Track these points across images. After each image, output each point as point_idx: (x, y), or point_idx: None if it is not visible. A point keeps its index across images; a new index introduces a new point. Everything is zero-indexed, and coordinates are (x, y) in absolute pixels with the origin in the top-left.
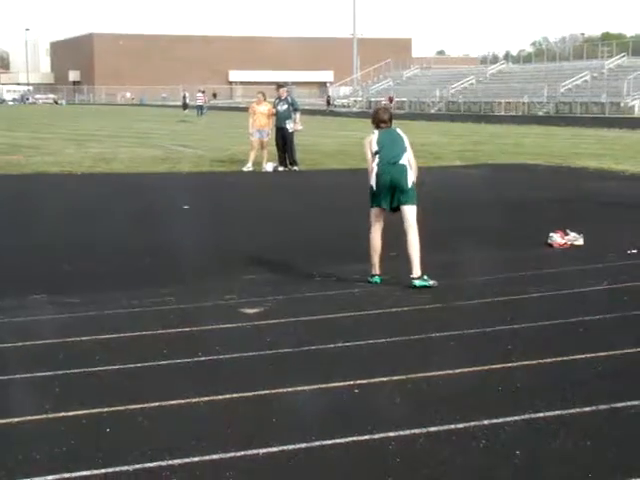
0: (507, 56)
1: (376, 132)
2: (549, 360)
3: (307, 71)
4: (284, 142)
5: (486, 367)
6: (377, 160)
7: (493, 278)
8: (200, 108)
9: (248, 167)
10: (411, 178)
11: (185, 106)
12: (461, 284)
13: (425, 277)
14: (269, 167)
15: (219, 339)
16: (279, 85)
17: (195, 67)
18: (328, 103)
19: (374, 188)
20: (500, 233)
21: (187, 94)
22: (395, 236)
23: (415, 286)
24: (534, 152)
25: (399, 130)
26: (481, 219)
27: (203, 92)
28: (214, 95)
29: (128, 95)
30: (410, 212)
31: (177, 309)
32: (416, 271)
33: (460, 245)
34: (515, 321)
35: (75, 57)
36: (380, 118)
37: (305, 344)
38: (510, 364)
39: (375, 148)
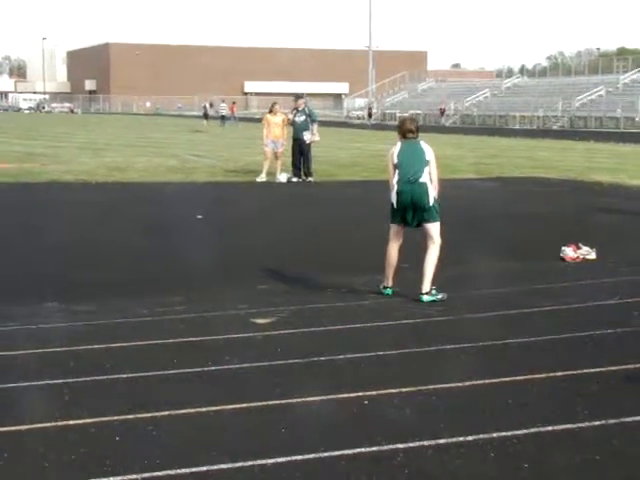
0: (522, 70)
1: (399, 144)
2: (559, 374)
3: (322, 82)
4: (301, 153)
5: (496, 380)
6: (397, 177)
7: (505, 291)
8: (223, 118)
9: (262, 177)
10: (432, 195)
11: (206, 116)
12: (473, 296)
13: (434, 292)
14: (283, 178)
15: (229, 349)
16: (297, 96)
17: (210, 77)
18: (370, 115)
19: (394, 206)
20: (513, 246)
21: (208, 104)
22: (409, 249)
23: (422, 301)
24: (548, 166)
25: (423, 143)
26: (494, 232)
27: (233, 103)
28: (210, 105)
29: (148, 105)
30: (433, 229)
31: (188, 318)
32: (425, 286)
33: (473, 257)
34: (526, 334)
35: (91, 66)
36: (407, 128)
37: (315, 355)
38: (520, 377)
39: (395, 160)
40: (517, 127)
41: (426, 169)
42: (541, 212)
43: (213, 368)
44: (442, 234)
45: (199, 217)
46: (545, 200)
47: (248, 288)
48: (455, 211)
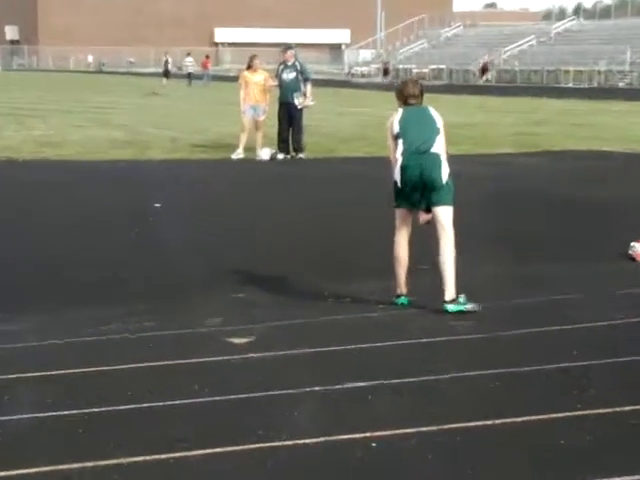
0: (578, 9)
1: (400, 111)
2: (627, 408)
3: (315, 29)
4: (289, 122)
5: (542, 416)
6: (401, 148)
7: (553, 300)
8: (189, 76)
9: (238, 154)
10: (446, 171)
11: (167, 73)
12: (511, 307)
13: (461, 299)
14: (265, 154)
15: (198, 376)
16: (285, 47)
17: (170, 24)
18: (386, 72)
19: (399, 184)
20: (565, 242)
21: (170, 59)
22: (426, 244)
23: (448, 311)
24: (611, 136)
25: (432, 109)
26: (540, 223)
27: (207, 57)
28: (166, 62)
29: (90, 60)
30: (445, 215)
31: (145, 338)
32: (449, 293)
33: (511, 256)
34: (582, 356)
35: (12, 9)
36: (409, 92)
37: (308, 384)
38: (576, 413)
39: (396, 130)
40: (571, 85)
41: (438, 138)
42: (602, 197)
43: (178, 402)
44: (470, 225)
45: (157, 206)
46: (607, 181)
47: (220, 298)
48: (488, 196)
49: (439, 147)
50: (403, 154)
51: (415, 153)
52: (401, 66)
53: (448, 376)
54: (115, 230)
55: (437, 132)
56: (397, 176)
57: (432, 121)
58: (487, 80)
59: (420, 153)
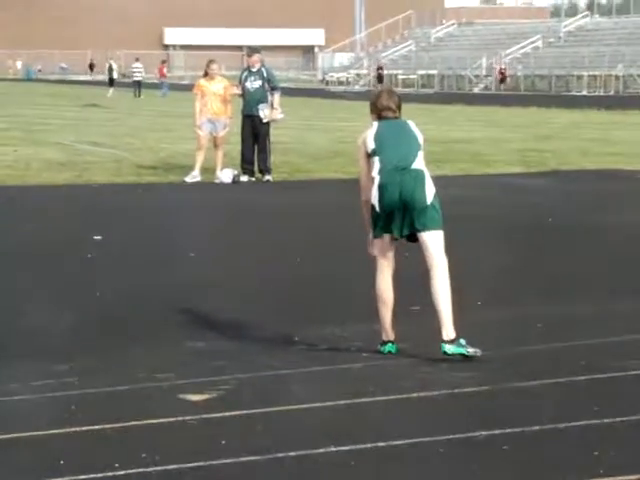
0: (592, 5)
1: (375, 125)
2: None
3: (284, 29)
4: (255, 138)
5: None
6: (378, 166)
7: (572, 345)
8: (138, 85)
9: (194, 176)
10: (431, 189)
11: (111, 82)
12: (522, 354)
13: (462, 341)
14: (226, 177)
15: (144, 442)
16: (251, 50)
17: (112, 23)
18: (380, 79)
19: (376, 208)
20: (583, 276)
21: (114, 64)
22: (416, 280)
23: (446, 353)
24: (632, 152)
25: (411, 124)
26: (554, 256)
27: (163, 62)
28: (91, 66)
29: (19, 66)
30: (434, 241)
31: (82, 395)
32: (447, 332)
33: (521, 295)
34: (605, 414)
35: None
36: (383, 105)
37: (279, 450)
38: None
39: (371, 147)
40: (584, 93)
41: (420, 153)
42: (624, 223)
43: (121, 473)
44: (472, 257)
45: (97, 239)
46: (630, 205)
47: (173, 347)
48: (491, 223)
49: (421, 163)
50: (380, 172)
51: (394, 170)
52: (385, 72)
53: (447, 438)
54: (45, 268)
55: (418, 147)
56: (374, 198)
57: (412, 136)
58: (504, 88)
59: (399, 170)
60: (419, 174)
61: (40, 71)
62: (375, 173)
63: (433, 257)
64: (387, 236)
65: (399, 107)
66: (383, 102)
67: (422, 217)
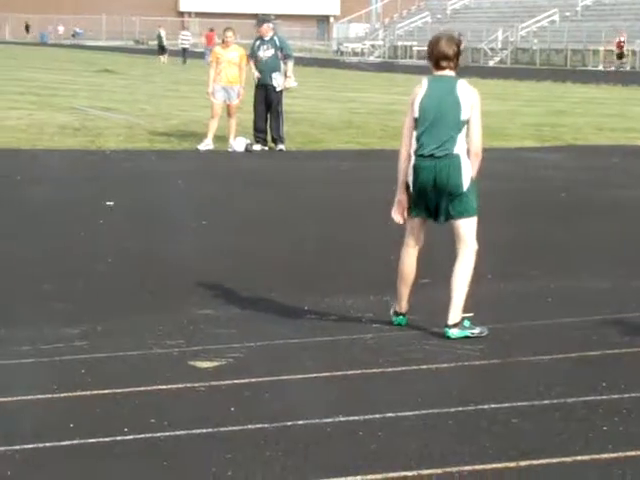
0: None
1: (425, 83)
2: None
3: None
4: (268, 107)
5: (568, 458)
6: (414, 145)
7: (583, 320)
8: (184, 52)
9: (207, 144)
10: (468, 174)
11: (162, 49)
12: (533, 328)
13: (466, 323)
14: (239, 145)
15: (155, 407)
16: (262, 19)
17: None
18: None
19: (411, 188)
20: (595, 252)
21: (162, 32)
22: (430, 254)
23: (450, 337)
24: None
25: (461, 85)
26: (567, 231)
27: (211, 30)
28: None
29: (61, 30)
30: (467, 228)
31: (92, 360)
32: (453, 316)
33: (532, 269)
34: (614, 389)
35: None
36: (440, 51)
37: (287, 418)
38: (605, 455)
39: (415, 114)
40: (600, 68)
41: (460, 135)
42: (637, 198)
43: (130, 437)
44: (483, 232)
45: (109, 204)
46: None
47: (183, 314)
48: (504, 198)
49: (461, 147)
50: (416, 152)
51: (429, 157)
52: (400, 43)
53: (453, 410)
54: (57, 234)
55: (459, 126)
56: (409, 177)
57: (457, 107)
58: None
59: (436, 157)
60: (455, 160)
61: (44, 35)
62: (412, 151)
63: (464, 242)
64: (419, 217)
65: (457, 56)
66: (440, 49)
67: (458, 205)
